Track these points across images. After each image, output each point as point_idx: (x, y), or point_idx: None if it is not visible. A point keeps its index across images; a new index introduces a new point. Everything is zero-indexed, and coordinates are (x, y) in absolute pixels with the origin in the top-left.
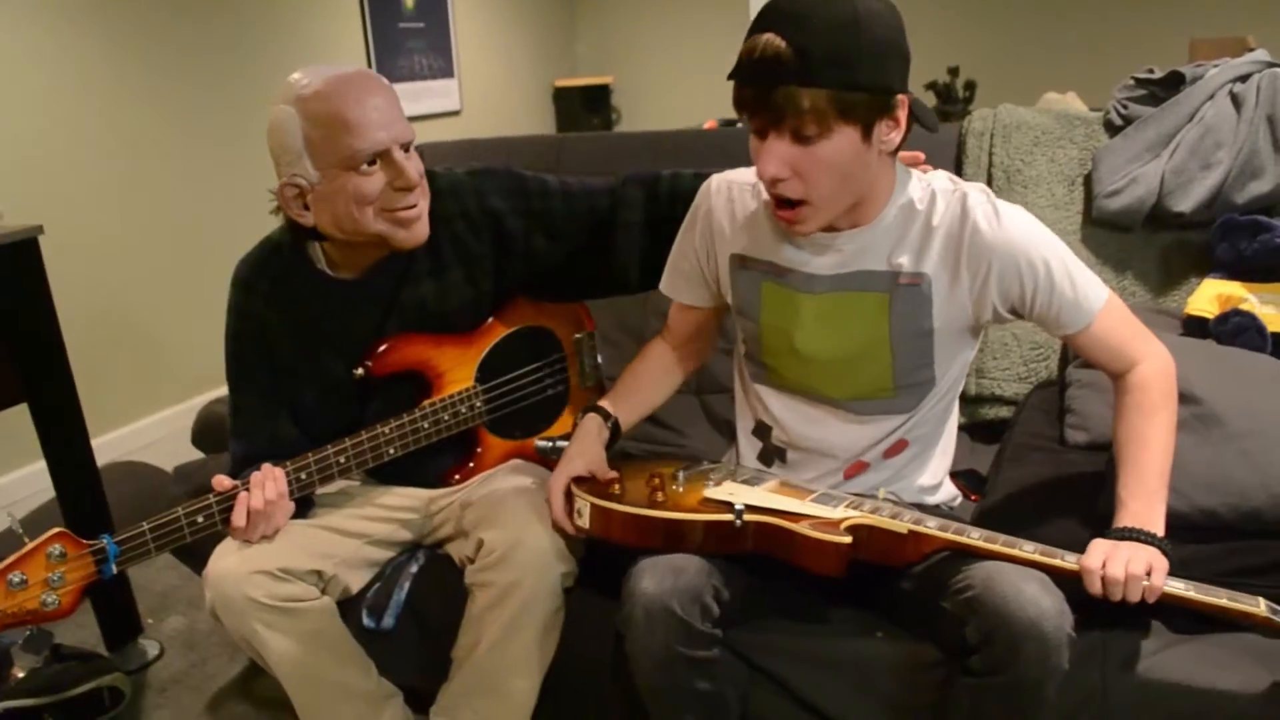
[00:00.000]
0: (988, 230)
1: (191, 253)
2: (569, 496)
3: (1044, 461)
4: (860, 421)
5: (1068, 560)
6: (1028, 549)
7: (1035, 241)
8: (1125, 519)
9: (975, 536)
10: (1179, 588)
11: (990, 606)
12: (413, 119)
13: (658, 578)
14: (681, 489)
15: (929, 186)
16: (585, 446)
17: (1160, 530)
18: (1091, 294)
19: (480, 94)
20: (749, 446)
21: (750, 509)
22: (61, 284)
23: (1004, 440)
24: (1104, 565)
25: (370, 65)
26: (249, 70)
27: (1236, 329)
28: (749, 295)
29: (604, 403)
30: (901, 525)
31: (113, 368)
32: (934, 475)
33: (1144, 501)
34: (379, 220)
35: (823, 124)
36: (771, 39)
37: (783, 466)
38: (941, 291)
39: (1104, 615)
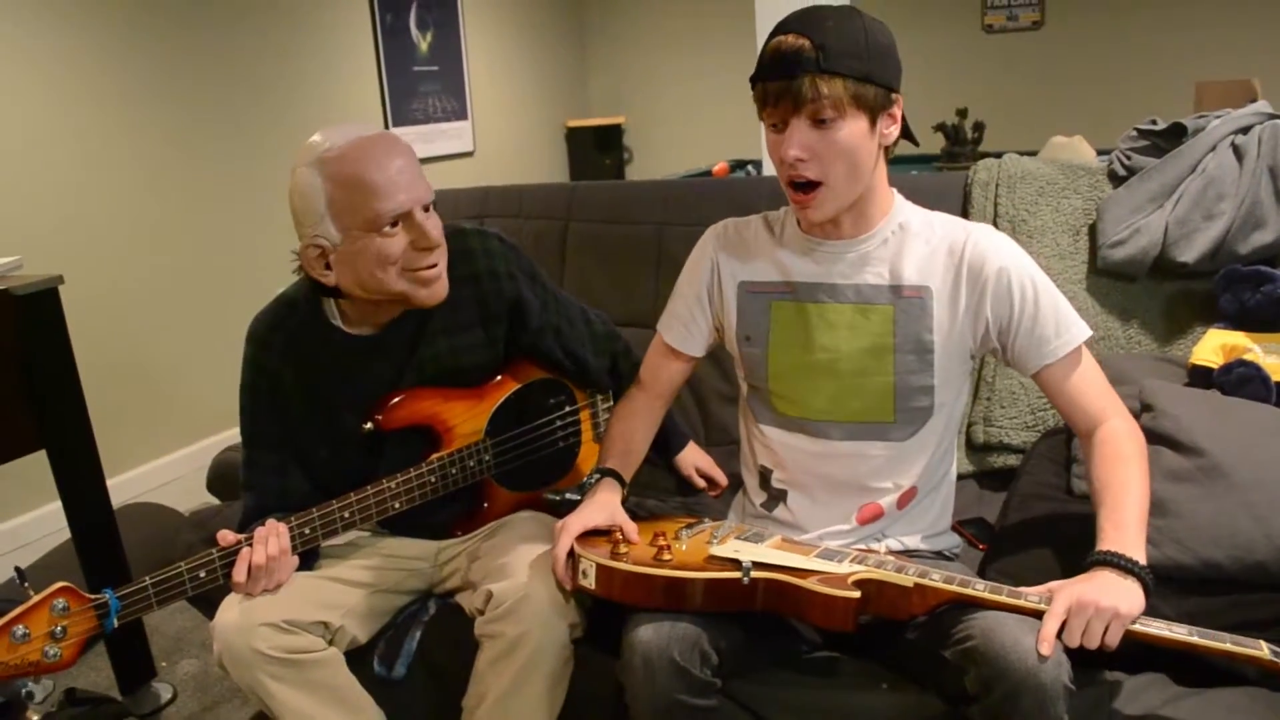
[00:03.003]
0: (987, 250)
1: (205, 298)
2: (572, 554)
3: (1050, 511)
4: (860, 455)
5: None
6: (1032, 599)
7: (1029, 269)
8: (1105, 543)
9: (980, 588)
10: (1181, 634)
11: (989, 656)
12: (426, 160)
13: (656, 626)
14: (685, 547)
15: (927, 213)
16: (605, 500)
17: (1140, 557)
18: (1074, 328)
19: (493, 135)
20: (755, 495)
21: (758, 565)
22: (79, 328)
23: (1011, 489)
24: (1062, 630)
25: (385, 108)
26: (265, 117)
27: (1241, 379)
28: (757, 318)
29: (613, 465)
30: (907, 579)
31: (127, 409)
32: (935, 525)
33: (1122, 530)
34: (401, 280)
35: (839, 109)
36: (793, 37)
37: (786, 513)
38: (942, 305)
39: (1109, 666)
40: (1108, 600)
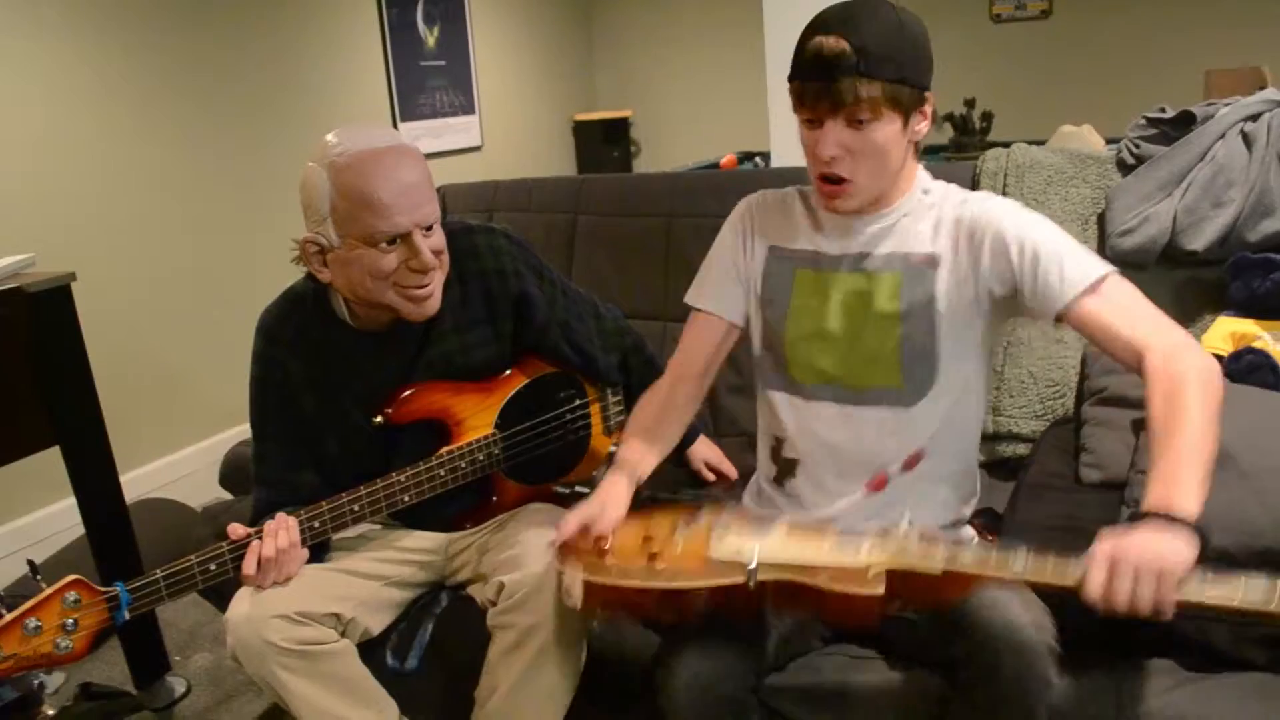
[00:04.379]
0: (983, 213)
1: (216, 294)
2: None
3: (1059, 500)
4: (869, 420)
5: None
6: (1077, 573)
7: (1026, 223)
8: (1149, 501)
9: (1019, 567)
10: (1216, 595)
11: (970, 621)
12: (435, 155)
13: (700, 658)
14: (680, 548)
15: (944, 186)
16: (604, 491)
17: (1189, 509)
18: (1084, 266)
19: (501, 129)
20: (765, 472)
21: (765, 566)
22: (91, 325)
23: (1020, 479)
24: (1105, 589)
25: (393, 103)
26: (274, 114)
27: (1250, 367)
28: (781, 282)
29: (632, 454)
30: (934, 565)
31: (140, 405)
32: (951, 509)
33: (1168, 481)
34: (391, 293)
35: (875, 111)
36: (834, 39)
37: (796, 486)
38: (946, 270)
39: (1115, 651)
40: (1149, 553)
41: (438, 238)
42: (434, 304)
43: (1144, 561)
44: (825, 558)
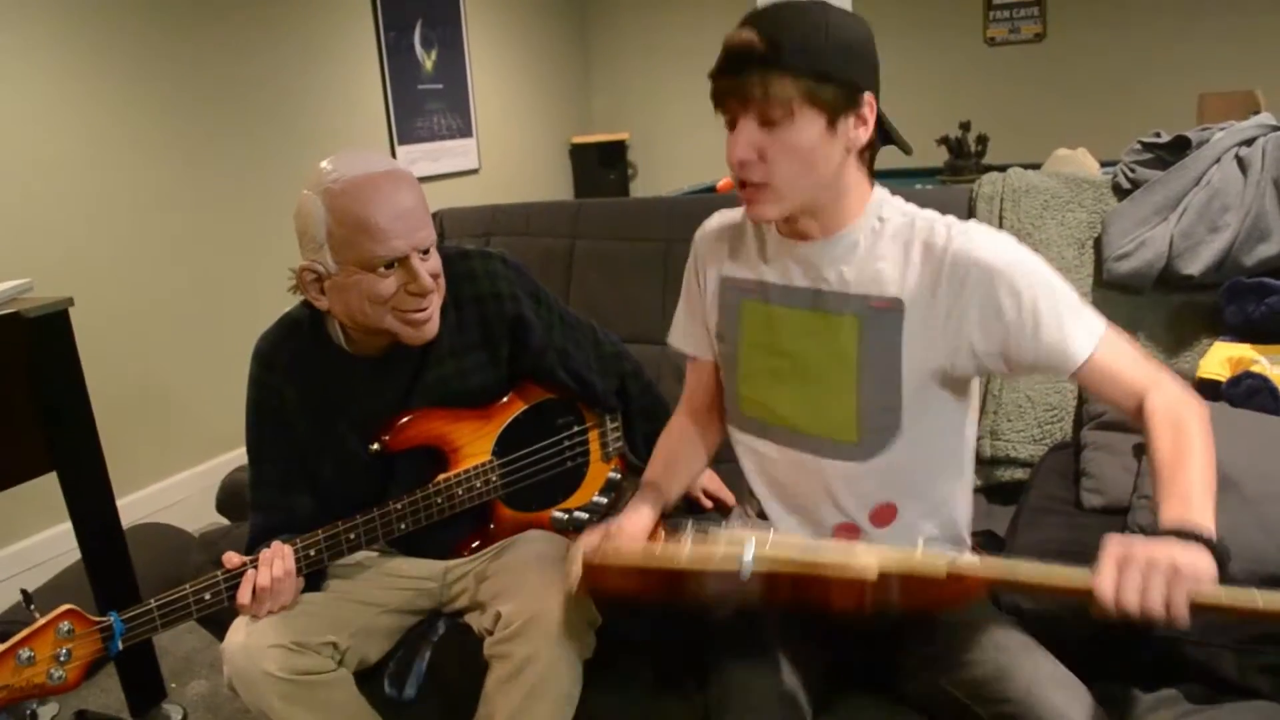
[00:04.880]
0: (970, 250)
1: (214, 319)
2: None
3: (1060, 525)
4: (824, 470)
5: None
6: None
7: (1023, 268)
8: (1162, 520)
9: (1025, 575)
10: (1233, 596)
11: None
12: (432, 178)
13: (759, 690)
14: (680, 542)
15: (909, 210)
16: (633, 509)
17: (1206, 526)
18: (1087, 323)
19: (498, 152)
20: (744, 511)
21: (760, 559)
22: (88, 350)
23: (1020, 504)
24: (1116, 589)
25: (390, 126)
26: (272, 138)
27: (1249, 391)
28: (730, 314)
29: (657, 478)
30: (939, 568)
31: (137, 430)
32: (942, 545)
33: (1182, 501)
34: (389, 318)
35: (787, 109)
36: (747, 33)
37: (772, 528)
38: (916, 317)
39: (1121, 680)
40: (1163, 553)
41: (434, 261)
42: (432, 328)
43: (1156, 559)
44: (824, 557)
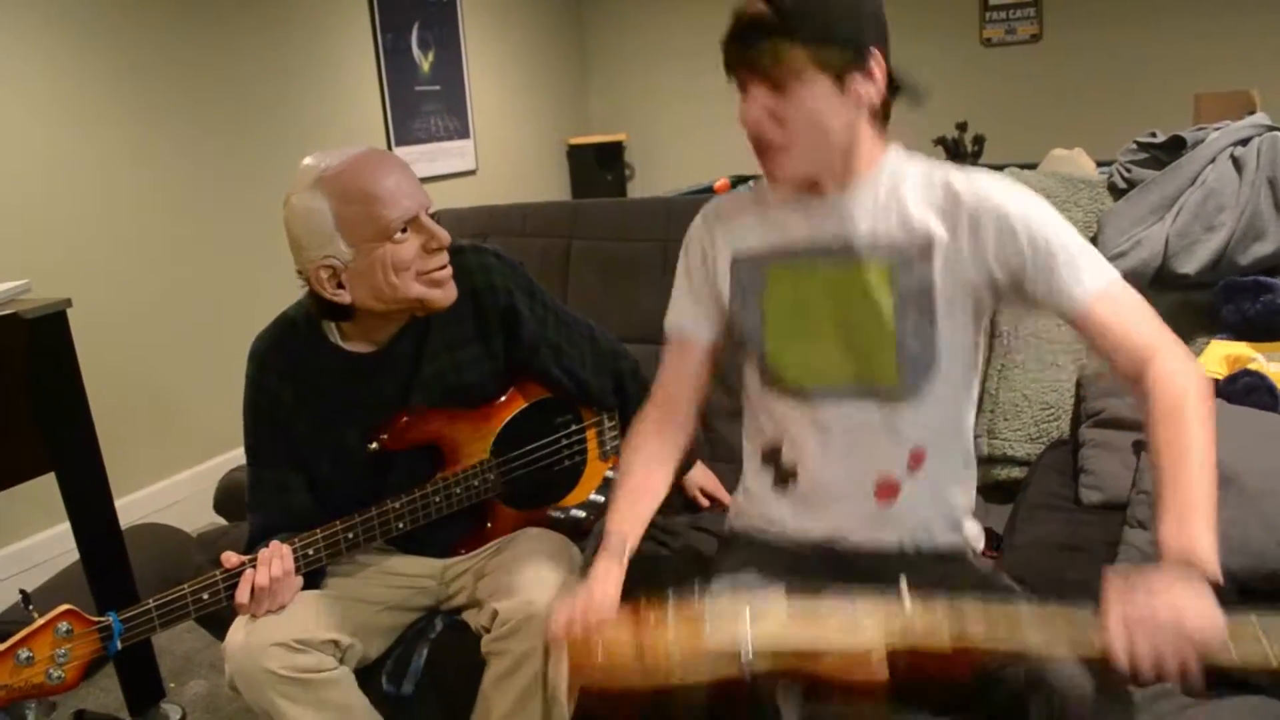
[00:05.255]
0: (988, 193)
1: (211, 319)
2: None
3: (1059, 521)
4: (863, 418)
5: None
6: (1094, 638)
7: (1035, 210)
8: (1162, 535)
9: (1034, 641)
10: (1246, 654)
11: (1049, 686)
12: (429, 180)
13: None
14: (673, 633)
15: (926, 162)
16: (601, 591)
17: (1205, 559)
18: (1095, 266)
19: (495, 153)
20: (758, 481)
21: (761, 655)
22: (86, 350)
23: (1018, 500)
24: (1130, 658)
25: (387, 127)
26: (269, 139)
27: (1247, 389)
28: (753, 286)
29: (622, 525)
30: (943, 642)
31: (135, 430)
32: (960, 504)
33: (1183, 515)
34: (416, 284)
35: (796, 74)
36: (753, 2)
37: (799, 491)
38: (941, 255)
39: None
40: (1168, 612)
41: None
42: (454, 287)
43: (1163, 621)
44: (826, 638)
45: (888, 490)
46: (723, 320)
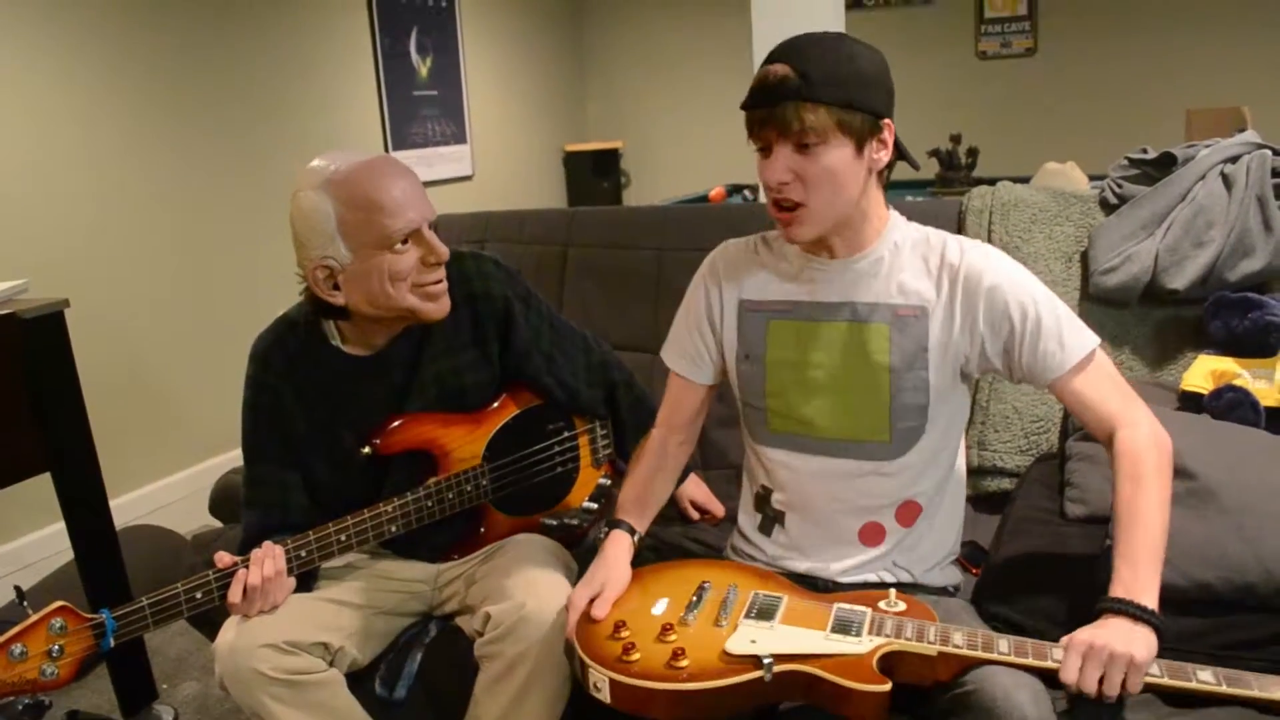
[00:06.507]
0: (982, 268)
1: (208, 320)
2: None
3: (1043, 535)
4: (858, 472)
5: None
6: (1057, 656)
7: (1025, 284)
8: (1117, 588)
9: (1005, 648)
10: (1209, 681)
11: (980, 707)
12: (426, 184)
13: None
14: (694, 629)
15: (923, 230)
16: (610, 558)
17: (1152, 602)
18: (1080, 336)
19: (492, 159)
20: (749, 521)
21: (778, 658)
22: (82, 350)
23: (1005, 514)
24: (1079, 675)
25: (385, 131)
26: (267, 141)
27: (1230, 404)
28: (755, 335)
29: (628, 517)
30: (930, 648)
31: (131, 430)
32: (935, 553)
33: (1135, 571)
34: (410, 295)
35: (821, 136)
36: (779, 67)
37: (786, 536)
38: (938, 323)
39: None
40: (1121, 646)
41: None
42: (448, 301)
43: (1116, 654)
44: (828, 646)
45: (874, 538)
46: (722, 364)
